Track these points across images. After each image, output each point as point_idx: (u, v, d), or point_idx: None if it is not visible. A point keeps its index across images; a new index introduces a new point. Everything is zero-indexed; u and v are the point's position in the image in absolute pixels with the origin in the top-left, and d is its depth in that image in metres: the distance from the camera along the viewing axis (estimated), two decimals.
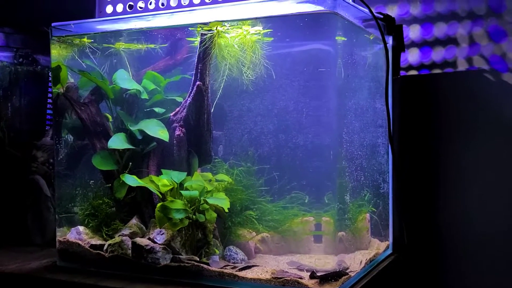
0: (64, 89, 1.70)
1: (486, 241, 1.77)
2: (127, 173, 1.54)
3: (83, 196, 1.68)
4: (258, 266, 1.44)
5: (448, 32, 1.85)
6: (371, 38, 1.60)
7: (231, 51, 1.43)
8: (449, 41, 1.85)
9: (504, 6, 1.78)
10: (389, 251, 1.72)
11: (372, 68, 1.63)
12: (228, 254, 1.51)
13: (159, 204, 1.47)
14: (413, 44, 1.89)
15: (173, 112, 1.58)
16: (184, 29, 1.60)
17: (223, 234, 1.55)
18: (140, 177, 1.55)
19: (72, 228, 1.63)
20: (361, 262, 1.48)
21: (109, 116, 1.69)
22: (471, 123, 1.82)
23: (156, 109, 1.60)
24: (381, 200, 1.67)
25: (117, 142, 1.55)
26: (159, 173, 1.57)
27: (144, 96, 1.62)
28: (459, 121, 1.83)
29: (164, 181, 1.50)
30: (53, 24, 1.63)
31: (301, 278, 1.31)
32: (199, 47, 1.50)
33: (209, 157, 1.59)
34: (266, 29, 1.40)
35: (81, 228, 1.62)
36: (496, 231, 1.76)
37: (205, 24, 1.44)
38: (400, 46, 1.75)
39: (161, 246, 1.46)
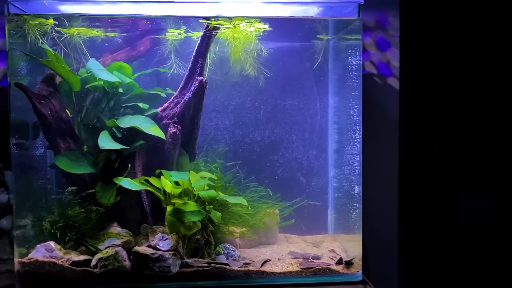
0: None
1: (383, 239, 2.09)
2: (124, 177, 1.37)
3: (41, 205, 1.41)
4: (270, 260, 1.46)
5: None
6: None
7: (246, 46, 1.41)
8: None
9: (388, 22, 2.13)
10: None
11: None
12: (226, 252, 1.49)
13: (169, 208, 1.36)
14: None
15: (161, 108, 1.46)
16: (159, 20, 1.49)
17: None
18: None
19: (38, 245, 1.36)
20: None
21: (67, 111, 1.45)
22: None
23: (141, 105, 1.45)
24: None
25: (108, 142, 1.36)
26: (147, 174, 1.43)
27: (120, 89, 1.45)
28: None
29: (170, 183, 1.39)
30: None
31: (330, 265, 1.41)
32: (201, 41, 1.43)
33: (194, 155, 1.53)
34: None
35: (52, 243, 1.36)
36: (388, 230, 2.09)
37: (225, 18, 1.39)
38: None
39: (170, 252, 1.36)
